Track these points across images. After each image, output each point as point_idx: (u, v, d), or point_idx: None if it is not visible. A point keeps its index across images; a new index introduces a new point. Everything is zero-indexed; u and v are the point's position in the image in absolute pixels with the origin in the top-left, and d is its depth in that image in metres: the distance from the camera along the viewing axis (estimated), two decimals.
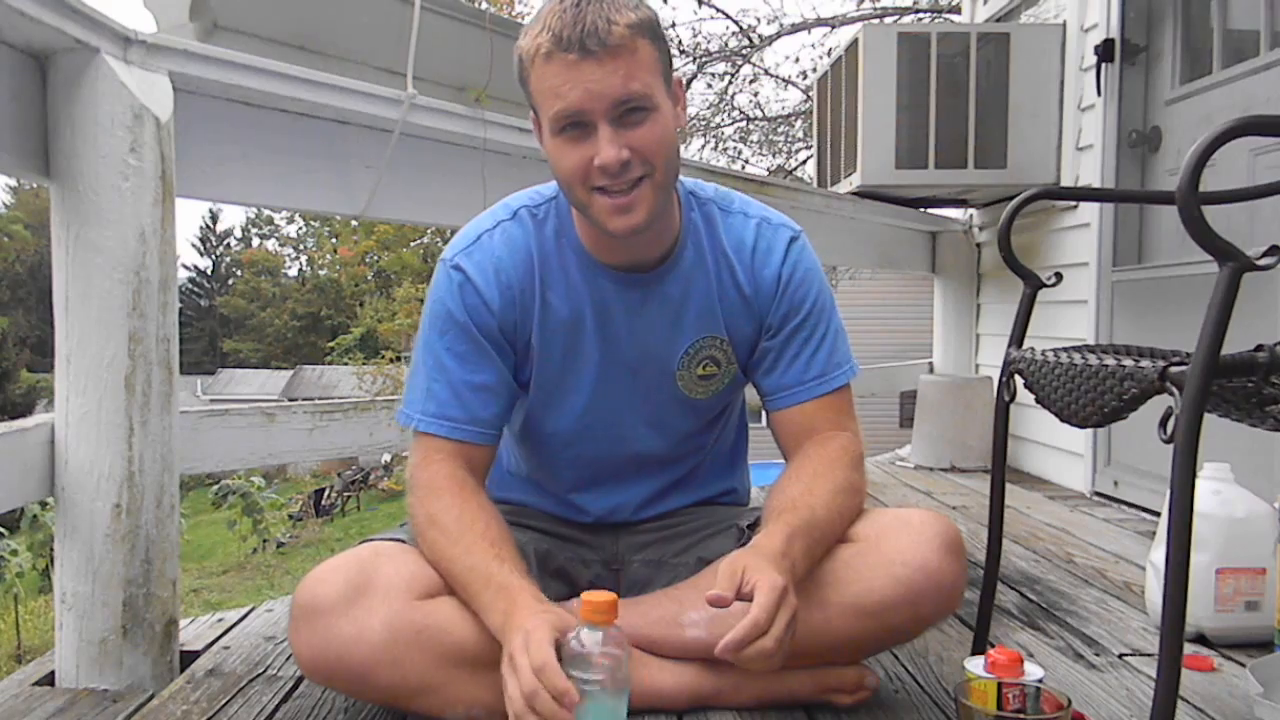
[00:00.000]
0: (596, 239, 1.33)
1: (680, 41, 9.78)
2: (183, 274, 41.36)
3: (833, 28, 9.71)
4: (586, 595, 1.09)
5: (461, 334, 1.31)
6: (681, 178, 1.35)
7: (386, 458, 19.57)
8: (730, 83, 10.29)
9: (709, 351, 1.39)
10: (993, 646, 1.33)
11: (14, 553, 8.82)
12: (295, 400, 10.91)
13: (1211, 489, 1.60)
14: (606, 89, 1.16)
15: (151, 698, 1.38)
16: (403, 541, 1.29)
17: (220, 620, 1.77)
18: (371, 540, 1.32)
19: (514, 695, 1.04)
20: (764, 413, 1.47)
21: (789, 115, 10.67)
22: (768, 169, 10.86)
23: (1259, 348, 1.02)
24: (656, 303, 1.35)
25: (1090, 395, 1.17)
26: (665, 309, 1.36)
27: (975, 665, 1.22)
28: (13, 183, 35.77)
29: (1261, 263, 0.98)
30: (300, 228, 43.80)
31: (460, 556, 1.21)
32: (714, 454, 1.53)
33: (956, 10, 7.56)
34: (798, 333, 1.37)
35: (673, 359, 1.38)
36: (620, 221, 1.22)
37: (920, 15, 9.30)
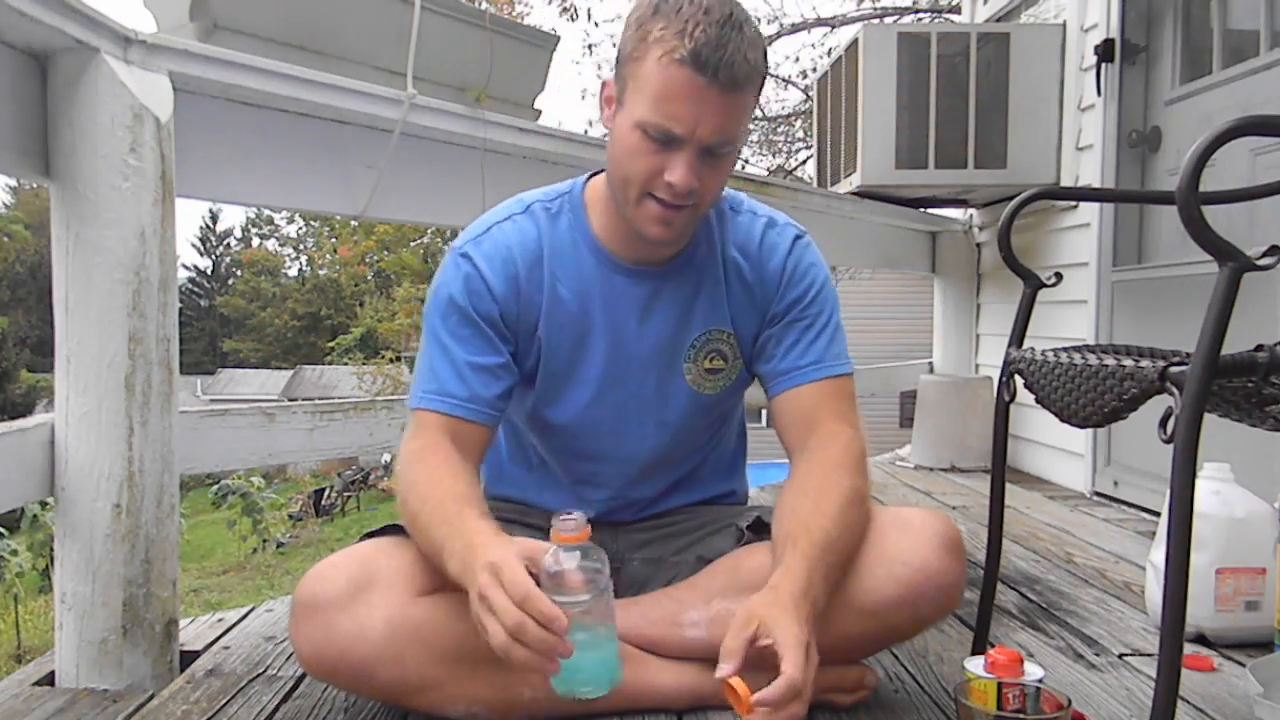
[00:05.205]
0: (615, 233, 1.35)
1: None
2: (183, 274, 41.34)
3: (833, 28, 9.71)
4: (556, 518, 1.05)
5: (463, 318, 1.32)
6: None
7: (386, 458, 19.55)
8: None
9: (715, 345, 1.39)
10: (993, 646, 1.33)
11: (14, 553, 8.82)
12: (295, 400, 10.91)
13: (1211, 489, 1.60)
14: (715, 128, 1.18)
15: (151, 698, 1.38)
16: (404, 533, 1.29)
17: (220, 620, 1.77)
18: (372, 534, 1.32)
19: (496, 632, 1.01)
20: (764, 411, 1.47)
21: (789, 115, 10.67)
22: (768, 169, 10.86)
23: (1259, 348, 1.02)
24: (667, 297, 1.37)
25: (1090, 395, 1.17)
26: (675, 304, 1.37)
27: (975, 665, 1.22)
28: (13, 183, 35.81)
29: (1261, 263, 0.98)
30: (300, 228, 43.81)
31: (428, 513, 1.19)
32: (715, 457, 1.53)
33: (956, 10, 7.56)
34: (798, 321, 1.38)
35: (680, 352, 1.39)
36: (659, 230, 1.26)
37: (920, 15, 9.30)
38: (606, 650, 1.07)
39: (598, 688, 1.07)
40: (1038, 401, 1.31)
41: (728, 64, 1.15)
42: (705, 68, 1.14)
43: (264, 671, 1.49)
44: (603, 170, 1.38)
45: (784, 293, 1.38)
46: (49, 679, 1.44)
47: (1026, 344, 1.45)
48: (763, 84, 1.24)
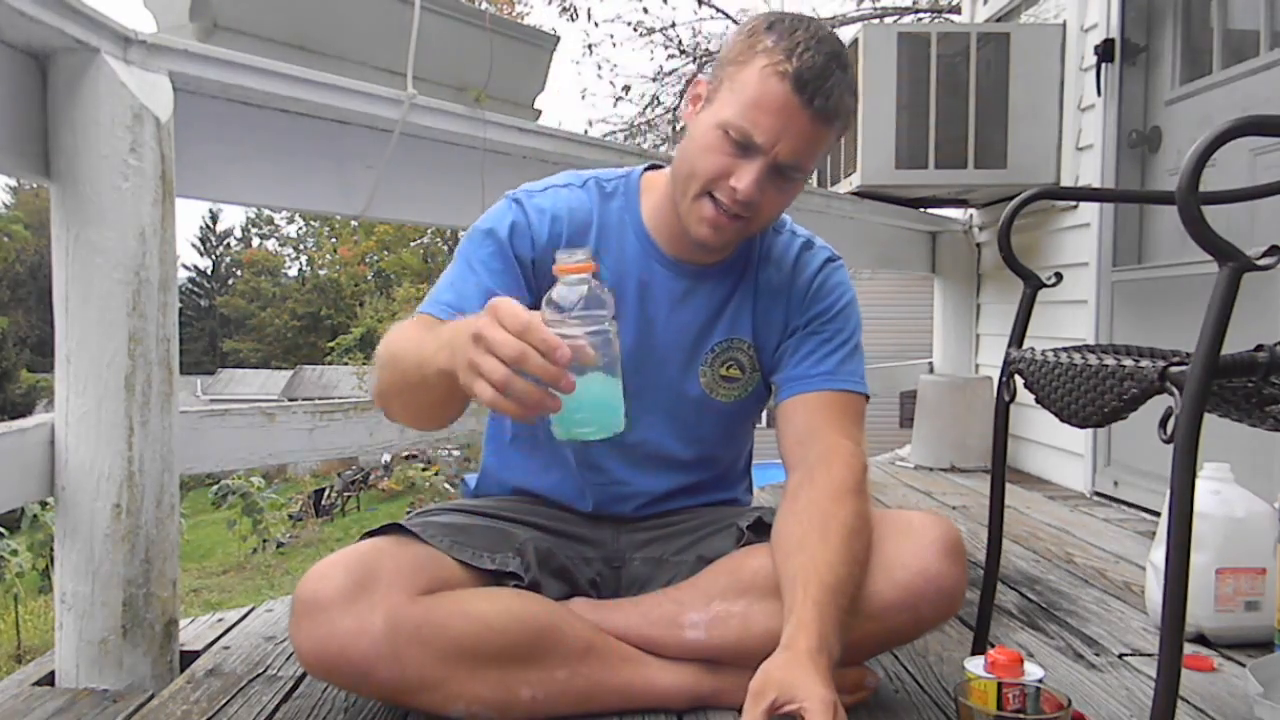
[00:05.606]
0: (663, 224, 1.38)
1: (680, 41, 9.79)
2: (183, 274, 41.37)
3: (833, 28, 9.71)
4: (560, 252, 1.00)
5: (498, 250, 1.33)
6: None
7: (386, 458, 19.56)
8: None
9: (733, 354, 1.42)
10: (993, 646, 1.33)
11: (14, 553, 8.80)
12: (295, 400, 10.91)
13: (1211, 489, 1.60)
14: (793, 150, 1.22)
15: (151, 698, 1.38)
16: (405, 531, 1.29)
17: (220, 620, 1.77)
18: (372, 533, 1.32)
19: (493, 369, 0.92)
20: (765, 411, 1.48)
21: None
22: None
23: (1259, 348, 1.02)
24: (698, 298, 1.40)
25: (1090, 395, 1.17)
26: (703, 306, 1.40)
27: (975, 665, 1.22)
28: (13, 183, 35.84)
29: (1261, 263, 0.98)
30: (300, 228, 43.80)
31: (412, 347, 1.15)
32: (720, 471, 1.53)
33: (956, 10, 7.56)
34: (816, 334, 1.41)
35: (699, 354, 1.41)
36: (707, 233, 1.28)
37: (920, 15, 9.31)
38: (610, 394, 1.00)
39: (599, 429, 1.00)
40: (1038, 401, 1.31)
41: (825, 93, 1.19)
42: (804, 89, 1.18)
43: (264, 671, 1.49)
44: (660, 165, 1.42)
45: (807, 306, 1.41)
46: (49, 679, 1.44)
47: (1026, 344, 1.45)
48: (844, 130, 1.27)
